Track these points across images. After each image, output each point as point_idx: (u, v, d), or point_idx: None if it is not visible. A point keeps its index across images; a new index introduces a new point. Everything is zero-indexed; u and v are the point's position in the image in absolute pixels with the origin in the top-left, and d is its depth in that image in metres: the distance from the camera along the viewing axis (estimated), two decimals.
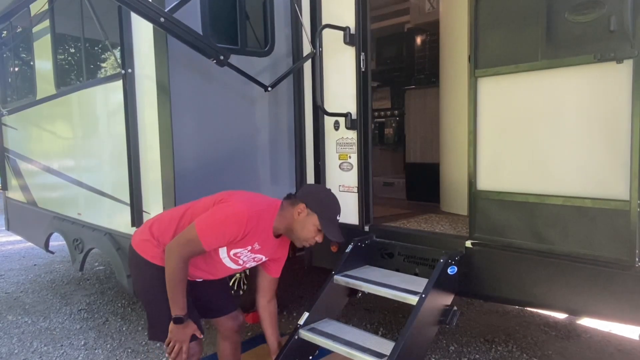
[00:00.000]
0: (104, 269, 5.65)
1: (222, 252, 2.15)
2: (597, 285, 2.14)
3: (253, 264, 2.30)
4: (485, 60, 2.32)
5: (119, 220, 3.47)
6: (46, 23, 4.33)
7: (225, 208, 2.07)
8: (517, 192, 2.27)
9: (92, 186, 3.82)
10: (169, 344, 2.06)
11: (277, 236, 2.23)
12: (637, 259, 1.88)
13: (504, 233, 2.34)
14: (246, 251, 2.16)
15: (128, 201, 3.24)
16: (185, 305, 2.03)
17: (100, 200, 3.71)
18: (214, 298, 2.42)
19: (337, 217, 2.23)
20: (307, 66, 3.42)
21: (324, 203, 2.20)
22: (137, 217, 3.21)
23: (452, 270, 2.46)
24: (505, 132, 2.31)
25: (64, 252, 5.59)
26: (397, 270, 2.84)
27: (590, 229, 2.03)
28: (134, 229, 3.25)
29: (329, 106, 3.20)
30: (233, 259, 2.18)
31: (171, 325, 2.03)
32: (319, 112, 3.27)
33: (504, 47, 2.25)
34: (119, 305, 4.39)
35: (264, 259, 2.29)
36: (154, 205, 3.12)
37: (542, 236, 2.19)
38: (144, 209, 3.20)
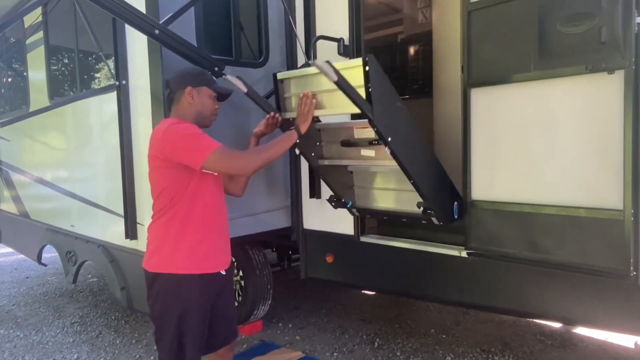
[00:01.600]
0: (97, 281, 5.60)
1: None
2: (593, 295, 2.15)
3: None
4: (478, 70, 2.34)
5: (113, 232, 3.45)
6: (40, 35, 4.33)
7: (178, 130, 2.02)
8: (512, 202, 2.27)
9: (85, 198, 3.80)
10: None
11: None
12: (631, 268, 1.89)
13: (499, 243, 2.34)
14: None
15: (122, 213, 3.22)
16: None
17: (93, 212, 3.69)
18: (224, 322, 2.25)
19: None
20: None
21: (198, 73, 2.24)
22: (131, 229, 3.19)
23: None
24: (498, 142, 2.32)
25: (56, 264, 5.54)
26: None
27: (584, 239, 2.03)
28: (128, 241, 3.23)
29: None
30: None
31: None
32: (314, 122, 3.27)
33: (497, 57, 2.27)
34: (113, 318, 4.34)
35: None
36: (148, 216, 3.10)
37: (537, 246, 2.19)
38: (138, 220, 3.18)
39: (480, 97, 2.36)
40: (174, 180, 2.03)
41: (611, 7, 1.86)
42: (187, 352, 2.05)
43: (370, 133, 2.36)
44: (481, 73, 2.33)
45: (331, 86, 2.06)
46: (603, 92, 1.94)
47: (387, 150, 2.23)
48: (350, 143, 2.52)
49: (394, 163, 2.31)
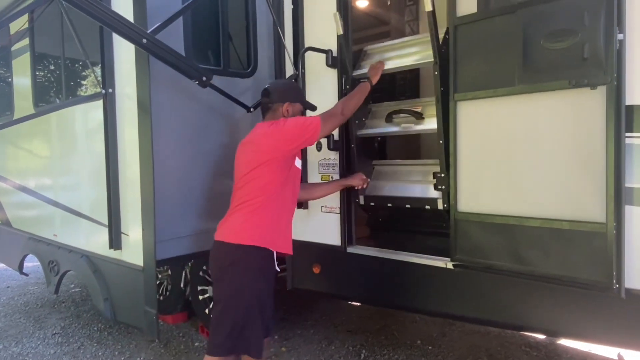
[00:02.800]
0: (80, 292, 5.50)
1: (298, 162, 2.49)
2: (576, 307, 2.17)
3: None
4: (464, 84, 2.37)
5: (97, 242, 3.40)
6: (26, 41, 4.29)
7: (287, 122, 2.37)
8: (497, 214, 2.29)
9: (69, 207, 3.75)
10: None
11: None
12: (614, 281, 1.91)
13: (485, 255, 2.35)
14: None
15: (106, 222, 3.18)
16: None
17: (77, 221, 3.63)
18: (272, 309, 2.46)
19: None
20: None
21: (295, 90, 2.66)
22: (115, 238, 3.15)
23: None
24: (484, 154, 2.34)
25: (38, 273, 5.44)
26: None
27: (568, 251, 2.05)
28: (112, 251, 3.19)
29: None
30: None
31: None
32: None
33: (483, 71, 2.30)
34: (95, 329, 4.26)
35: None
36: (132, 226, 3.07)
37: (521, 258, 2.21)
38: (122, 230, 3.14)
39: (467, 110, 2.38)
40: (272, 171, 2.32)
41: (593, 24, 1.90)
42: (254, 331, 2.23)
43: (417, 107, 2.87)
44: (467, 87, 2.36)
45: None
46: (586, 106, 1.98)
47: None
48: (396, 112, 2.94)
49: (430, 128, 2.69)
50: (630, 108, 1.92)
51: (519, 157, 2.20)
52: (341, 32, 2.88)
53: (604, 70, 1.88)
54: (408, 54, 2.88)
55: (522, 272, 2.21)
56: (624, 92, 1.90)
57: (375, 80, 2.78)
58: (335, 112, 2.50)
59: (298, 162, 2.51)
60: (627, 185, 1.93)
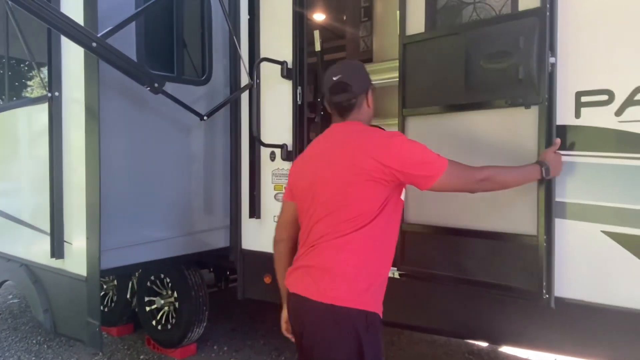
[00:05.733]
0: (18, 303, 5.22)
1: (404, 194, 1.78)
2: (513, 315, 2.27)
3: None
4: (411, 100, 2.46)
5: (37, 251, 3.27)
6: None
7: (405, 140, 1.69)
8: (439, 226, 2.38)
9: (7, 213, 3.58)
10: None
11: None
12: (544, 291, 2.02)
13: (427, 264, 2.44)
14: None
15: (48, 230, 3.06)
16: None
17: (16, 229, 3.48)
18: None
19: None
20: (245, 97, 3.45)
21: (366, 70, 1.85)
22: (57, 247, 3.04)
23: None
24: None
25: None
26: None
27: (504, 262, 2.16)
28: (54, 260, 3.07)
29: (265, 137, 3.23)
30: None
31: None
32: (255, 142, 3.29)
33: (428, 89, 2.40)
34: (34, 342, 4.06)
35: None
36: (76, 234, 2.97)
37: (461, 267, 2.30)
38: (65, 238, 3.03)
39: (414, 125, 2.48)
40: (377, 199, 1.64)
41: (527, 47, 2.03)
42: None
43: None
44: (414, 103, 2.45)
45: None
46: (521, 125, 2.10)
47: None
48: None
49: None
50: (561, 128, 2.06)
51: None
52: (319, 49, 2.85)
53: (537, 91, 2.01)
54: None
55: (462, 280, 2.30)
56: (555, 112, 2.04)
57: (555, 173, 1.98)
58: (476, 173, 1.72)
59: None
60: (557, 199, 2.06)
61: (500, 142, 2.18)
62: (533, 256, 2.03)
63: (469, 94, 2.22)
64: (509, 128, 2.14)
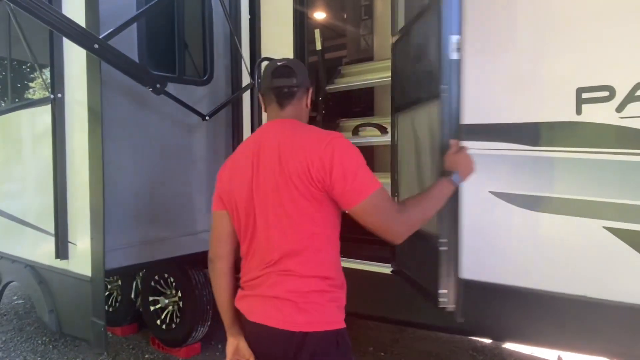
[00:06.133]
0: (23, 303, 5.25)
1: None
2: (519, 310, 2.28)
3: None
4: (399, 98, 2.46)
5: (42, 252, 3.28)
6: None
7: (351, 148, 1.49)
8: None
9: (12, 215, 3.60)
10: None
11: None
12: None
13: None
14: None
15: (52, 231, 3.08)
16: None
17: (21, 230, 3.49)
18: None
19: None
20: (246, 96, 3.45)
21: (307, 74, 1.71)
22: (62, 248, 3.05)
23: None
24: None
25: None
26: None
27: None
28: (58, 261, 3.09)
29: None
30: None
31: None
32: None
33: (403, 86, 2.39)
34: (39, 342, 4.08)
35: None
36: (80, 235, 2.99)
37: None
38: (69, 239, 3.05)
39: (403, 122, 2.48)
40: (329, 214, 1.51)
41: (430, 38, 2.01)
42: None
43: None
44: (401, 100, 2.45)
45: None
46: (434, 121, 2.10)
47: None
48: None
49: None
50: (562, 124, 2.06)
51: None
52: (320, 48, 2.85)
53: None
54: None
55: None
56: (458, 108, 1.83)
57: (467, 173, 1.72)
58: (399, 211, 1.47)
59: None
60: (559, 196, 2.06)
61: (425, 139, 2.13)
62: None
63: (416, 91, 2.20)
64: (430, 124, 2.04)
